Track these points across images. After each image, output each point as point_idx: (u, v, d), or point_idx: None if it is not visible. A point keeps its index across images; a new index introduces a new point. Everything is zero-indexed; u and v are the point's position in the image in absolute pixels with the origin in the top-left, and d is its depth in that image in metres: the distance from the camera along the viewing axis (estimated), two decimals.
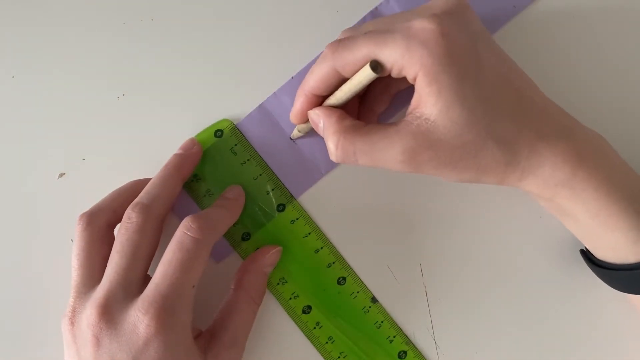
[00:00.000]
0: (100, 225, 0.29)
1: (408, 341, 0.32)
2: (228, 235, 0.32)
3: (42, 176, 0.34)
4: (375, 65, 0.25)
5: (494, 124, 0.25)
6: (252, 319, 0.31)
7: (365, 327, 0.32)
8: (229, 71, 0.34)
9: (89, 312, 0.26)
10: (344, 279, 0.32)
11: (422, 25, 0.24)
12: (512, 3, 0.33)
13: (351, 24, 0.34)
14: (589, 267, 0.30)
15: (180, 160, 0.31)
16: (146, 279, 0.28)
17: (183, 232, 0.27)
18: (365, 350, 0.32)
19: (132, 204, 0.29)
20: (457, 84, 0.24)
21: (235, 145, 0.33)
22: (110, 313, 0.26)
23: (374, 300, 0.32)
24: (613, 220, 0.26)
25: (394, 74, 0.26)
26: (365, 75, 0.25)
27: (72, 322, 0.27)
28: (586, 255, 0.30)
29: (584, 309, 0.33)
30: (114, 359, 0.26)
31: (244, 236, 0.32)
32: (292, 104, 0.30)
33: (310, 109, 0.29)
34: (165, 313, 0.26)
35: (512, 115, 0.25)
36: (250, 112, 0.33)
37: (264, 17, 0.34)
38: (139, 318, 0.25)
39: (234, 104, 0.34)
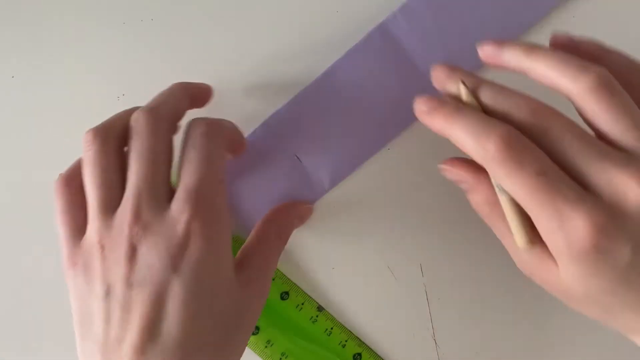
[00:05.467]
0: (116, 141, 0.27)
1: (361, 343, 0.32)
2: None
3: (42, 176, 0.34)
4: (529, 245, 0.23)
5: (614, 309, 0.23)
6: (278, 256, 0.30)
7: (315, 336, 0.32)
8: (229, 72, 0.34)
9: (123, 222, 0.24)
10: (287, 293, 0.32)
11: (579, 234, 0.20)
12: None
13: (351, 24, 0.34)
14: None
15: (186, 84, 0.30)
16: (172, 189, 0.26)
17: (192, 131, 0.26)
18: (319, 359, 0.32)
19: (136, 110, 0.27)
20: (587, 279, 0.22)
21: None
22: (145, 217, 0.24)
23: (319, 308, 0.32)
24: None
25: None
26: (516, 237, 0.24)
27: (103, 246, 0.24)
28: None
29: None
30: (150, 267, 0.23)
31: None
32: (296, 123, 0.32)
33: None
34: (203, 208, 0.24)
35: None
36: (255, 130, 0.33)
37: (263, 17, 0.34)
38: (176, 217, 0.24)
39: (234, 104, 0.34)
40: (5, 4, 0.35)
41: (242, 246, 0.29)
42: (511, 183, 0.21)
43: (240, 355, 0.27)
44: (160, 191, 0.25)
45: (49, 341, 0.33)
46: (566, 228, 0.20)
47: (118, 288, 0.24)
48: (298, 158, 0.32)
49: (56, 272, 0.33)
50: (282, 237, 0.30)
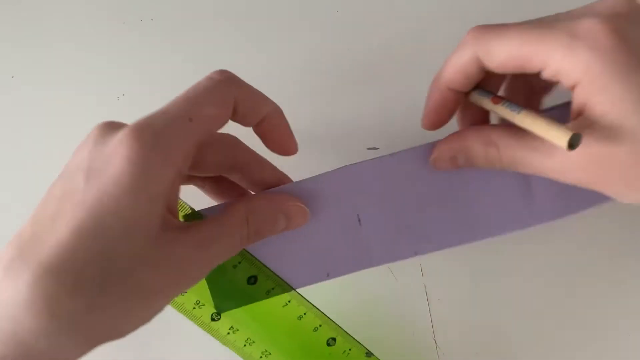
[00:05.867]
0: None
1: None
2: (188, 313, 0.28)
3: (43, 176, 0.34)
4: (576, 142, 0.20)
5: None
6: (235, 242, 0.24)
7: None
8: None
9: None
10: (334, 339, 0.31)
11: (590, 25, 0.21)
12: None
13: (351, 24, 0.34)
14: None
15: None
16: None
17: (210, 73, 0.24)
18: None
19: None
20: (634, 94, 0.20)
21: None
22: (112, 123, 0.23)
23: (368, 354, 0.31)
24: None
25: (546, 75, 0.22)
26: (555, 142, 0.21)
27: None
28: None
29: (585, 308, 0.33)
30: (79, 161, 0.21)
31: (213, 316, 0.29)
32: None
33: (447, 107, 0.25)
34: (150, 134, 0.21)
35: None
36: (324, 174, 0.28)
37: (263, 17, 0.34)
38: (122, 129, 0.22)
39: None
40: (6, 4, 0.35)
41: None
42: (506, 43, 0.22)
43: (130, 325, 0.21)
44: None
45: None
46: (578, 33, 0.21)
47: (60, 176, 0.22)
48: (359, 219, 0.27)
49: None
50: (251, 225, 0.25)
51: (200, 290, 0.28)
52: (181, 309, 0.28)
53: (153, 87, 0.34)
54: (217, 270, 0.26)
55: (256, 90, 0.25)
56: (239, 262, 0.28)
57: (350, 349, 0.31)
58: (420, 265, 0.33)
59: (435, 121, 0.26)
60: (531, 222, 0.26)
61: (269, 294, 0.28)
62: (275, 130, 0.26)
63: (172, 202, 0.22)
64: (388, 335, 0.33)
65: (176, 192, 0.23)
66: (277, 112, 0.26)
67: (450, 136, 0.25)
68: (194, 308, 0.28)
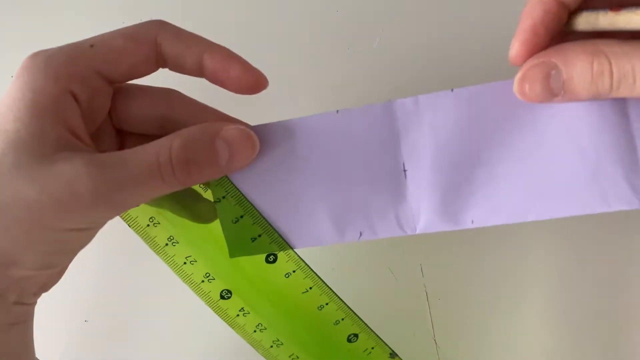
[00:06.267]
0: None
1: None
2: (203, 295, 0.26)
3: None
4: None
5: None
6: (147, 177, 0.21)
7: None
8: None
9: None
10: (356, 335, 0.28)
11: None
12: None
13: (351, 24, 0.34)
14: None
15: None
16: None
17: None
18: None
19: None
20: None
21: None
22: None
23: (392, 355, 0.29)
24: None
25: None
26: None
27: None
28: None
29: (584, 308, 0.33)
30: None
31: (222, 294, 0.26)
32: None
33: (548, 26, 0.19)
34: (41, 52, 0.22)
35: None
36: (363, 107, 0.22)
37: (263, 16, 0.34)
38: None
39: (234, 104, 0.34)
40: (5, 4, 0.35)
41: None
42: None
43: (19, 249, 0.20)
44: None
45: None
46: None
47: None
48: (404, 170, 0.22)
49: None
50: (176, 151, 0.21)
51: (211, 262, 0.26)
52: (188, 282, 0.26)
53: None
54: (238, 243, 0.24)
55: (189, 32, 0.24)
56: (259, 235, 0.24)
57: (373, 348, 0.29)
58: (420, 265, 0.33)
59: (532, 46, 0.19)
60: (633, 201, 0.20)
61: (288, 277, 0.26)
62: (225, 68, 0.23)
63: (75, 126, 0.22)
64: (388, 336, 0.33)
65: (77, 114, 0.22)
66: (219, 50, 0.24)
67: (543, 51, 0.19)
68: (202, 281, 0.26)
